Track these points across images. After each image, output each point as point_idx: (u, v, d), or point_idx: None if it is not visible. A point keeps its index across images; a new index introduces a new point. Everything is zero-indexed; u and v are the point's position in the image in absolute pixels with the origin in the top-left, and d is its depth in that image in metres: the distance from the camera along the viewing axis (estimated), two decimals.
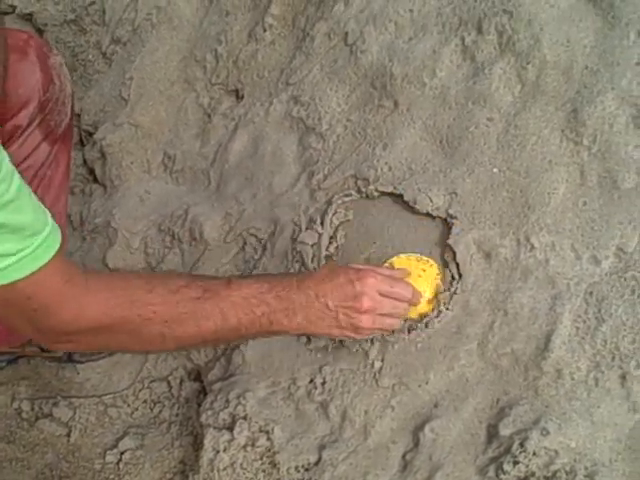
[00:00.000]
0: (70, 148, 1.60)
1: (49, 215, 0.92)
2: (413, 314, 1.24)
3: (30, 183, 1.48)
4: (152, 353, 1.52)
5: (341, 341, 1.30)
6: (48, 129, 1.45)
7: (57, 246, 0.92)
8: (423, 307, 1.24)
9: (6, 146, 1.41)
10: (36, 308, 0.92)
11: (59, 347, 1.14)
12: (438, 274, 1.25)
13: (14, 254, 0.86)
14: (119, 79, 1.79)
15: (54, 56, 1.43)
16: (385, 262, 1.28)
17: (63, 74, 1.46)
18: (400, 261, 1.27)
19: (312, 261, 1.35)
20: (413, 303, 1.21)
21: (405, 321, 1.23)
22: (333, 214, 1.35)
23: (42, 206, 0.92)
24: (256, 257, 1.47)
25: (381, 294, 1.14)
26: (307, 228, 1.38)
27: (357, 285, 1.12)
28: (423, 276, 1.24)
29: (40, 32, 1.89)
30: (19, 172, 0.91)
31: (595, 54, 1.19)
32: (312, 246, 1.36)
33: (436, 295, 1.24)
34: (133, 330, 1.01)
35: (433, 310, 1.24)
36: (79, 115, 1.84)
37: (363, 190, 1.32)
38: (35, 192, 1.49)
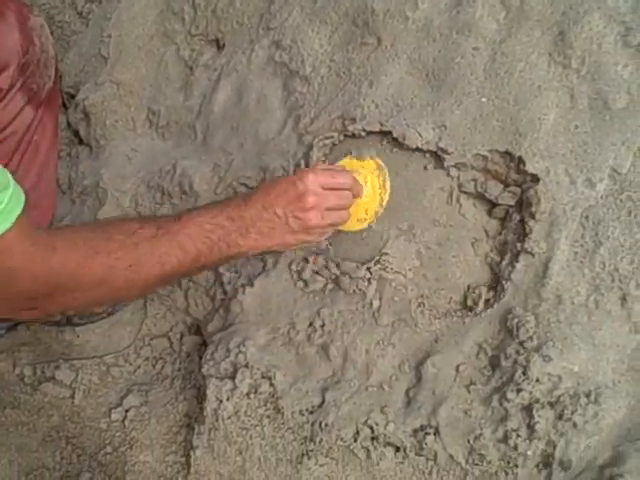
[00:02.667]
0: (57, 112, 1.58)
1: (7, 171, 0.89)
2: (364, 214, 1.23)
3: (16, 149, 1.47)
4: (121, 301, 1.52)
5: (335, 281, 1.29)
6: (31, 92, 1.42)
7: (22, 204, 0.89)
8: (369, 202, 1.23)
9: None
10: (2, 274, 0.89)
11: (24, 315, 1.12)
12: (377, 169, 1.23)
13: None
14: (97, 38, 1.75)
15: (34, 17, 1.40)
16: None
17: (44, 35, 1.42)
18: (342, 163, 1.27)
19: None
20: (356, 194, 1.19)
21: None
22: (316, 157, 1.33)
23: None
24: None
25: (324, 188, 1.13)
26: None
27: (299, 185, 1.12)
28: (362, 172, 1.22)
29: None
30: (3, 137, 0.88)
31: None
32: None
33: (379, 187, 1.23)
34: (100, 282, 1.00)
35: (381, 205, 1.24)
36: (61, 77, 1.81)
37: (350, 129, 1.30)
38: (22, 158, 1.49)
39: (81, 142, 1.76)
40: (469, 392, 1.14)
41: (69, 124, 1.79)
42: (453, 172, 1.24)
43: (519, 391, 1.07)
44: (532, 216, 1.14)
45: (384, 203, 1.24)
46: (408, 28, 1.29)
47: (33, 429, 1.47)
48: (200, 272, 1.38)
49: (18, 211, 0.88)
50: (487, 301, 1.20)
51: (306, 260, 1.33)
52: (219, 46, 1.61)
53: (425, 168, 1.26)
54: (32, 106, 1.44)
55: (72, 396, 1.50)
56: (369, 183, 1.22)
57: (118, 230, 1.04)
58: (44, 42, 1.42)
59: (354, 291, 1.27)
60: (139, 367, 1.54)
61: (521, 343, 1.11)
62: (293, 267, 1.34)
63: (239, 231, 1.12)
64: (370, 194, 1.22)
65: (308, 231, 1.15)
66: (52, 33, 1.80)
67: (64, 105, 1.84)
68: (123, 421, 1.43)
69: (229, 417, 1.24)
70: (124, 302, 1.57)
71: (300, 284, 1.33)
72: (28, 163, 1.52)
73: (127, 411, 1.44)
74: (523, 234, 1.16)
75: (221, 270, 1.43)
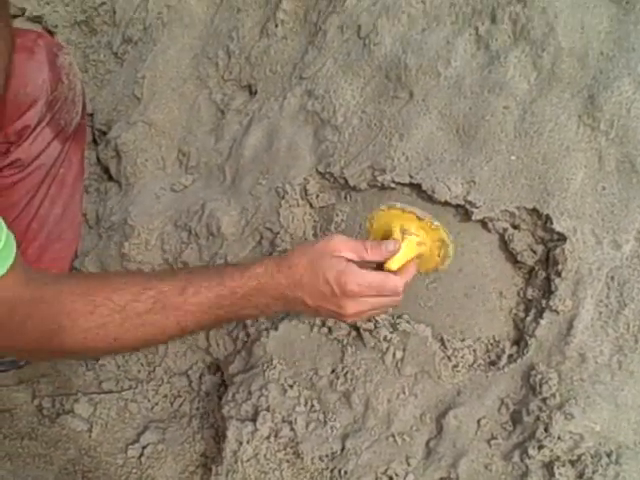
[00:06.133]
0: (83, 147, 1.61)
1: (1, 220, 0.89)
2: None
3: (42, 182, 1.50)
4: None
5: (357, 330, 1.30)
6: (58, 128, 1.46)
7: (15, 247, 0.90)
8: (424, 265, 1.12)
9: (16, 145, 1.42)
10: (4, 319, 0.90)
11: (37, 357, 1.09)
12: (440, 239, 1.09)
13: None
14: (131, 78, 1.80)
15: (63, 55, 1.44)
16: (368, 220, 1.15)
17: (72, 73, 1.46)
18: (382, 215, 1.12)
19: None
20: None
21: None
22: None
23: None
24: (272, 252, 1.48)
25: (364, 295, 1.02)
26: None
27: (336, 290, 1.01)
28: (421, 236, 1.08)
29: (50, 34, 1.89)
30: (31, 171, 0.91)
31: (610, 40, 1.20)
32: None
33: (440, 255, 1.11)
34: (79, 351, 0.99)
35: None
36: (92, 115, 1.85)
37: (380, 180, 1.32)
38: (47, 191, 1.52)
39: (110, 178, 1.80)
40: (490, 446, 1.14)
41: (99, 160, 1.83)
42: (480, 226, 1.26)
43: (540, 448, 1.08)
44: (558, 274, 1.16)
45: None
46: (440, 84, 1.32)
47: (50, 462, 1.47)
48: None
49: (14, 250, 0.90)
50: (510, 356, 1.21)
51: None
52: (251, 92, 1.65)
53: (451, 222, 1.28)
54: (59, 140, 1.48)
55: (89, 430, 1.51)
56: (428, 249, 1.10)
57: (106, 301, 0.96)
58: (72, 79, 1.46)
59: (378, 341, 1.28)
60: (157, 404, 1.55)
61: (544, 400, 1.12)
62: None
63: (255, 308, 1.05)
64: (426, 258, 1.11)
65: (338, 319, 1.10)
66: (87, 71, 1.87)
67: (95, 141, 1.88)
68: (140, 458, 1.44)
69: (248, 460, 1.25)
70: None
71: (324, 330, 1.34)
72: (54, 196, 1.55)
73: (144, 448, 1.45)
74: (549, 291, 1.18)
75: None
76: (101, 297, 0.96)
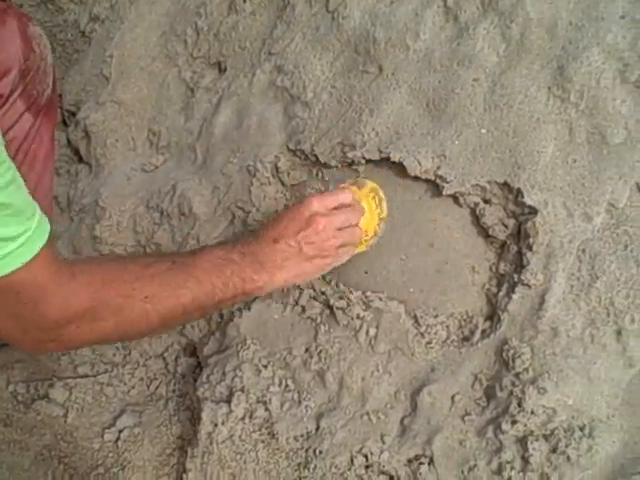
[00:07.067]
0: (54, 123, 1.58)
1: (36, 203, 0.91)
2: (363, 235, 1.23)
3: (15, 156, 1.46)
4: (135, 338, 1.50)
5: (330, 308, 1.30)
6: (31, 99, 1.43)
7: (48, 231, 0.91)
8: (367, 223, 1.23)
9: None
10: (26, 302, 0.90)
11: (42, 348, 1.11)
12: (371, 191, 1.25)
13: (16, 237, 0.84)
14: (99, 57, 1.76)
15: (33, 26, 1.41)
16: None
17: (43, 43, 1.44)
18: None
19: None
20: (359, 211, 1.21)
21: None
22: None
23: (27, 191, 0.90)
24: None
25: (330, 209, 1.15)
26: None
27: (305, 211, 1.13)
28: (357, 194, 1.23)
29: None
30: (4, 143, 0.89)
31: (579, 9, 1.18)
32: None
33: (375, 207, 1.24)
34: (116, 312, 0.99)
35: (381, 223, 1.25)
36: (61, 96, 1.82)
37: (350, 156, 1.31)
38: (19, 167, 1.49)
39: (81, 160, 1.77)
40: (464, 422, 1.14)
41: (69, 142, 1.80)
42: (452, 201, 1.25)
43: (514, 423, 1.08)
44: (529, 248, 1.15)
45: (382, 222, 1.25)
46: (409, 58, 1.30)
47: (25, 448, 1.46)
48: (217, 310, 1.38)
49: (47, 234, 0.90)
50: (483, 331, 1.20)
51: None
52: (220, 69, 1.62)
53: (422, 197, 1.27)
54: (31, 113, 1.44)
55: (65, 415, 1.49)
56: (365, 205, 1.23)
57: (134, 262, 1.05)
58: (43, 50, 1.43)
59: (352, 318, 1.27)
60: (133, 387, 1.54)
61: (517, 375, 1.11)
62: (290, 292, 1.35)
63: (252, 266, 1.11)
64: (367, 216, 1.22)
65: (324, 254, 1.15)
66: (54, 51, 1.82)
67: (64, 122, 1.85)
68: (116, 442, 1.42)
69: (223, 441, 1.24)
70: (137, 339, 1.56)
71: (297, 309, 1.34)
72: (25, 172, 1.51)
73: (120, 432, 1.44)
74: (520, 265, 1.17)
75: None
76: (129, 259, 1.09)
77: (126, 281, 1.00)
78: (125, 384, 1.54)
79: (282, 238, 1.13)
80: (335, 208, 1.16)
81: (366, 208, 1.22)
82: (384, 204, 1.26)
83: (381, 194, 1.26)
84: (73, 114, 1.80)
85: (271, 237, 1.13)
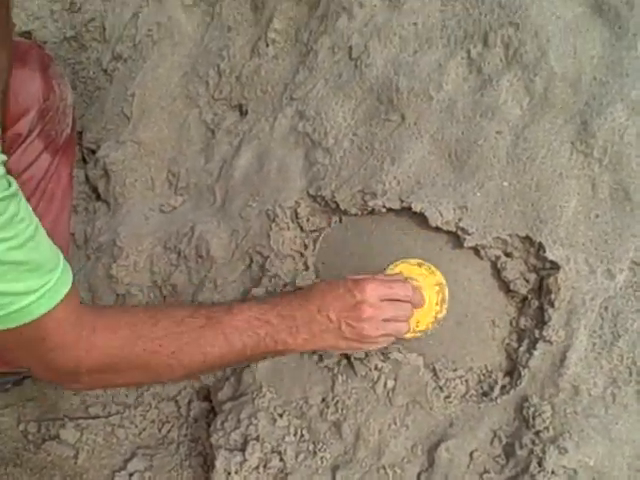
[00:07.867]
0: (72, 161, 1.59)
1: (59, 251, 0.92)
2: (414, 325, 1.20)
3: (31, 196, 1.47)
4: (157, 384, 1.50)
5: (348, 358, 1.28)
6: (49, 139, 1.44)
7: (71, 281, 0.92)
8: (422, 316, 1.21)
9: (8, 155, 1.39)
10: (51, 347, 0.91)
11: (64, 386, 1.12)
12: (437, 285, 1.22)
13: (35, 291, 0.85)
14: (121, 96, 1.78)
15: (54, 66, 1.43)
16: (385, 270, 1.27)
17: (63, 83, 1.45)
18: (398, 267, 1.25)
19: None
20: (417, 304, 1.18)
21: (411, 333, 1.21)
22: None
23: (52, 243, 0.92)
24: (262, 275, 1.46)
25: (382, 299, 1.12)
26: None
27: (356, 294, 1.11)
28: (420, 282, 1.21)
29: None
30: (21, 183, 0.90)
31: (603, 65, 1.19)
32: None
33: (436, 304, 1.22)
34: (141, 365, 1.00)
35: (435, 322, 1.22)
36: (81, 133, 1.83)
37: (370, 205, 1.30)
38: (37, 205, 1.50)
39: (99, 198, 1.78)
40: None
41: (87, 179, 1.81)
42: (473, 253, 1.24)
43: None
44: (551, 304, 1.14)
45: (438, 321, 1.22)
46: (432, 108, 1.31)
47: None
48: (245, 363, 1.38)
49: (69, 284, 0.91)
50: (503, 387, 1.19)
51: None
52: (242, 112, 1.63)
53: (443, 248, 1.27)
54: (49, 152, 1.45)
55: (75, 456, 1.48)
56: (427, 296, 1.21)
57: (167, 316, 1.04)
58: (63, 90, 1.45)
59: (370, 370, 1.26)
60: (144, 430, 1.53)
61: (537, 433, 1.10)
62: None
63: (289, 330, 1.10)
64: (425, 308, 1.21)
65: (361, 340, 1.13)
66: (76, 88, 1.84)
67: (84, 160, 1.86)
68: None
69: None
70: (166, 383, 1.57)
71: (314, 358, 1.32)
72: (42, 211, 1.52)
73: (131, 475, 1.42)
74: (542, 321, 1.16)
75: None
76: (162, 313, 1.05)
77: (154, 338, 1.00)
78: (136, 426, 1.53)
79: (325, 311, 1.11)
80: (390, 299, 1.14)
81: (427, 300, 1.21)
82: (445, 306, 1.22)
83: (446, 293, 1.22)
84: (93, 152, 1.81)
85: (315, 306, 1.12)
